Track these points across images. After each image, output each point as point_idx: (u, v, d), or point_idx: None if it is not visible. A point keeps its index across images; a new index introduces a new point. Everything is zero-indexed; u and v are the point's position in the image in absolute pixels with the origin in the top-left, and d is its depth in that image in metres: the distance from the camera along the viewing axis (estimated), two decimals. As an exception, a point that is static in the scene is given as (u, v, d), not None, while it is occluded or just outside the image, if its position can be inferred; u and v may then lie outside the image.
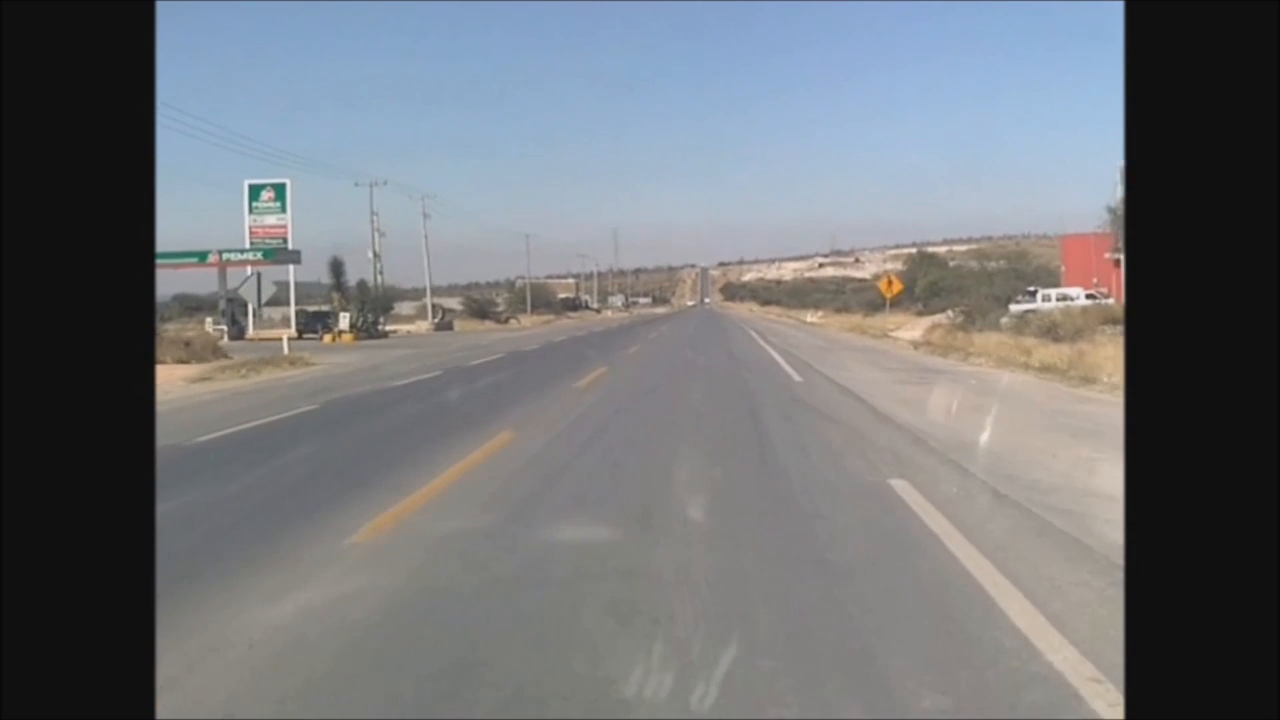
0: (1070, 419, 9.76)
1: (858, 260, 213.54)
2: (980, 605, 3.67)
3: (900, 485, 6.12)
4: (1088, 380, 13.23)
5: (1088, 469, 6.69)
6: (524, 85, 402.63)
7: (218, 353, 23.83)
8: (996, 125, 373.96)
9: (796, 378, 15.01)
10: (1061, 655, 3.11)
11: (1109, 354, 14.26)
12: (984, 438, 8.25)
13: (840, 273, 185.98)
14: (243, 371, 19.19)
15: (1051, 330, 24.99)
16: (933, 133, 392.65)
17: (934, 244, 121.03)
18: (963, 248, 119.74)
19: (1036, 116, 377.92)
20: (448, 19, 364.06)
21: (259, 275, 26.36)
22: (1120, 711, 2.58)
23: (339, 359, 24.40)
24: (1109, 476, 5.85)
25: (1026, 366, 16.74)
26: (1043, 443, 8.01)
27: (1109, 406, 10.23)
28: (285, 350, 24.37)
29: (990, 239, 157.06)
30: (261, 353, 23.61)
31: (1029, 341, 23.66)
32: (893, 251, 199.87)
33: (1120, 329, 17.90)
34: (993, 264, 60.24)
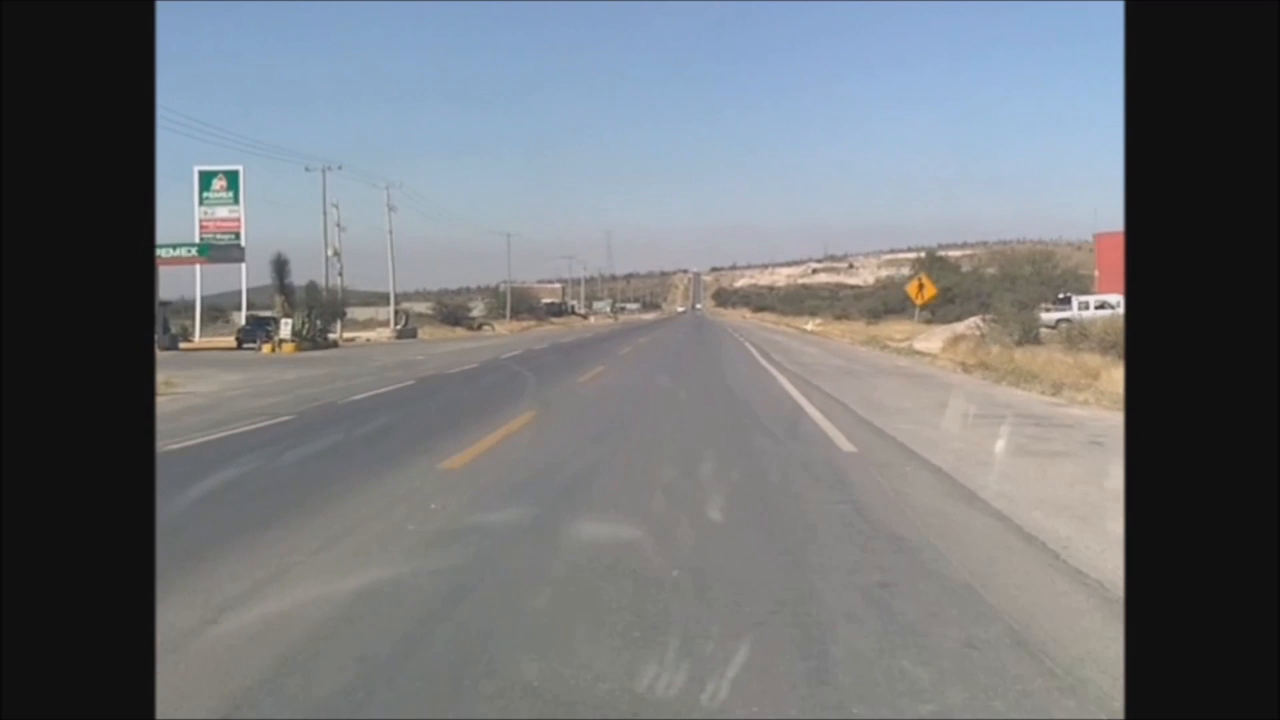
0: None
1: (851, 266, 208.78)
2: None
3: None
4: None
5: None
6: (516, 86, 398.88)
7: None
8: (1000, 127, 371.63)
9: (843, 443, 8.54)
10: None
11: None
12: None
13: (834, 279, 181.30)
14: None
15: (1117, 346, 19.71)
16: (929, 136, 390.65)
17: (930, 249, 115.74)
18: (958, 253, 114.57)
19: (1041, 119, 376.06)
20: (434, 12, 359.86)
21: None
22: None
23: (212, 386, 18.38)
24: None
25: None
26: None
27: None
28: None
29: (985, 244, 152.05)
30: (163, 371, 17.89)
31: (1091, 360, 18.32)
32: (888, 256, 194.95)
33: None
34: (1011, 267, 54.96)
